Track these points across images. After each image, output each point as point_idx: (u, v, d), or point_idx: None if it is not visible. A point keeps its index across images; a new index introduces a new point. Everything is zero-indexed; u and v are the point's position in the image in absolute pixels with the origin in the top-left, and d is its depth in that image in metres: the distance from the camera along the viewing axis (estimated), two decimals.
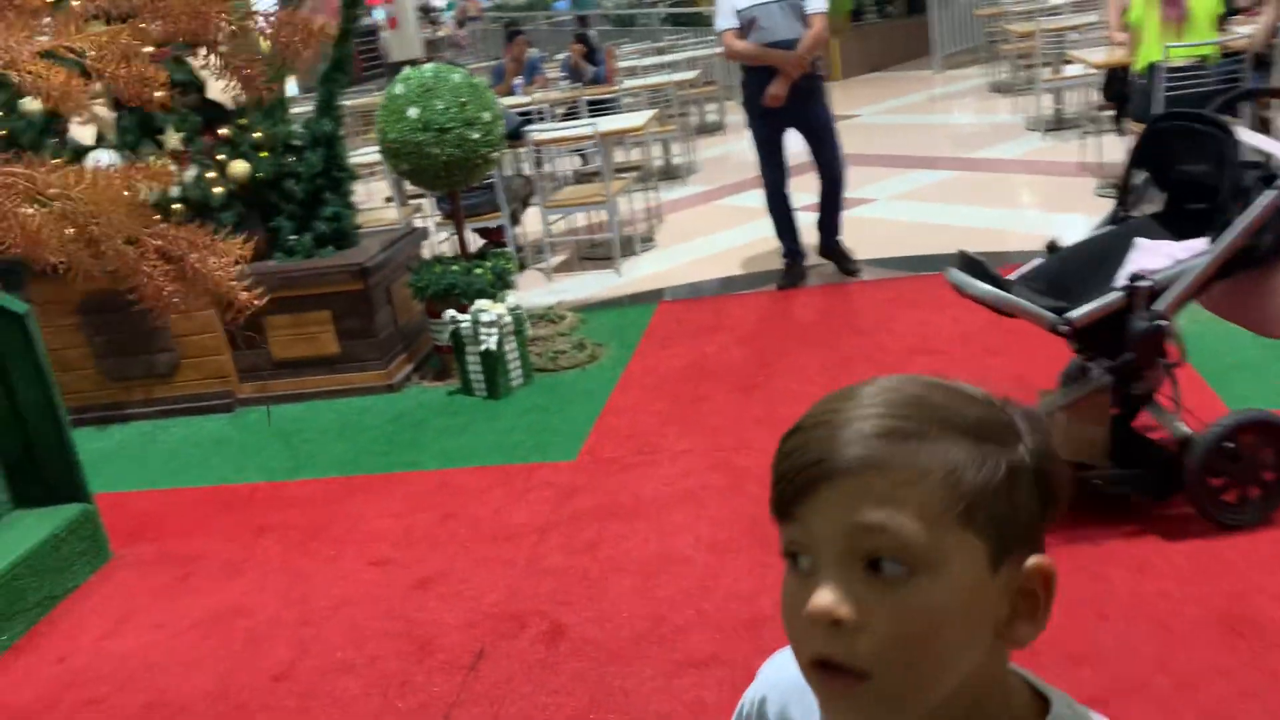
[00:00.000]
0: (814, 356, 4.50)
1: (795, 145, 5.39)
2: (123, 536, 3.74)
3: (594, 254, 6.82)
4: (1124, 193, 3.16)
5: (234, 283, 2.37)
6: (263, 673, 2.90)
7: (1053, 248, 3.10)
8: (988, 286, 2.86)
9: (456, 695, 2.68)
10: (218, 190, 4.70)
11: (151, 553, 3.66)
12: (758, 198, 5.68)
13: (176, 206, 4.60)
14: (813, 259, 5.59)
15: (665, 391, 4.38)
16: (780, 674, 0.94)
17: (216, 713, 2.75)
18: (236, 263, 2.38)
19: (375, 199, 7.75)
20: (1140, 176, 3.15)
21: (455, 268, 4.70)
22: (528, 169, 7.46)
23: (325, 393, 4.83)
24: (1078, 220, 5.85)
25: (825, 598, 0.69)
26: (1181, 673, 2.36)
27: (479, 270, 4.69)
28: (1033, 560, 0.71)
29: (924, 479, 0.68)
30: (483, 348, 4.47)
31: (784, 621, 0.74)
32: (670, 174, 8.85)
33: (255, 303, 2.42)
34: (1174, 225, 2.97)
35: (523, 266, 6.51)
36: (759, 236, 6.20)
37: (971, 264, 2.95)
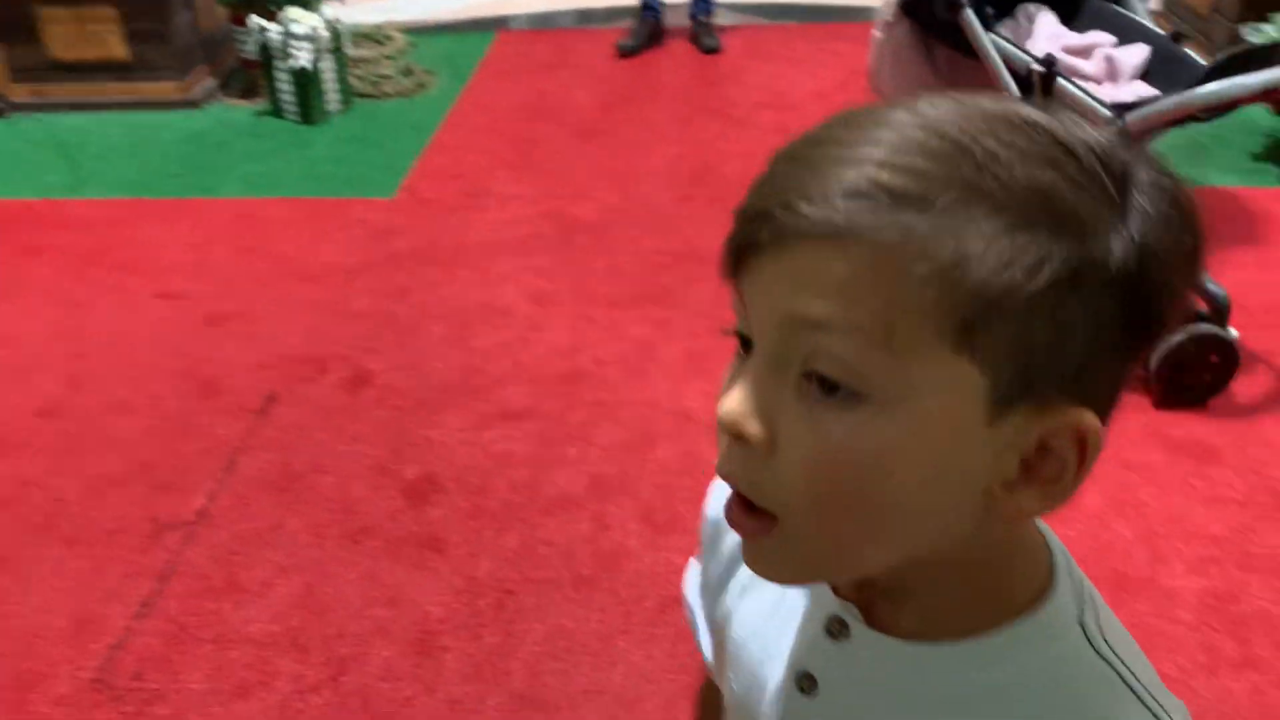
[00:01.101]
0: (661, 105, 4.22)
1: None
2: None
3: None
4: None
5: None
6: (26, 407, 2.62)
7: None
8: None
9: (243, 439, 2.48)
10: None
11: None
12: None
13: None
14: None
15: (499, 130, 4.05)
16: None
17: None
18: None
19: None
20: None
21: None
22: None
23: (114, 104, 4.27)
24: None
25: (731, 404, 0.51)
26: None
27: None
28: (1071, 414, 0.49)
29: (908, 270, 0.45)
30: (295, 65, 4.00)
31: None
32: None
33: None
34: None
35: None
36: None
37: None
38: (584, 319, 2.90)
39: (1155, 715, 0.54)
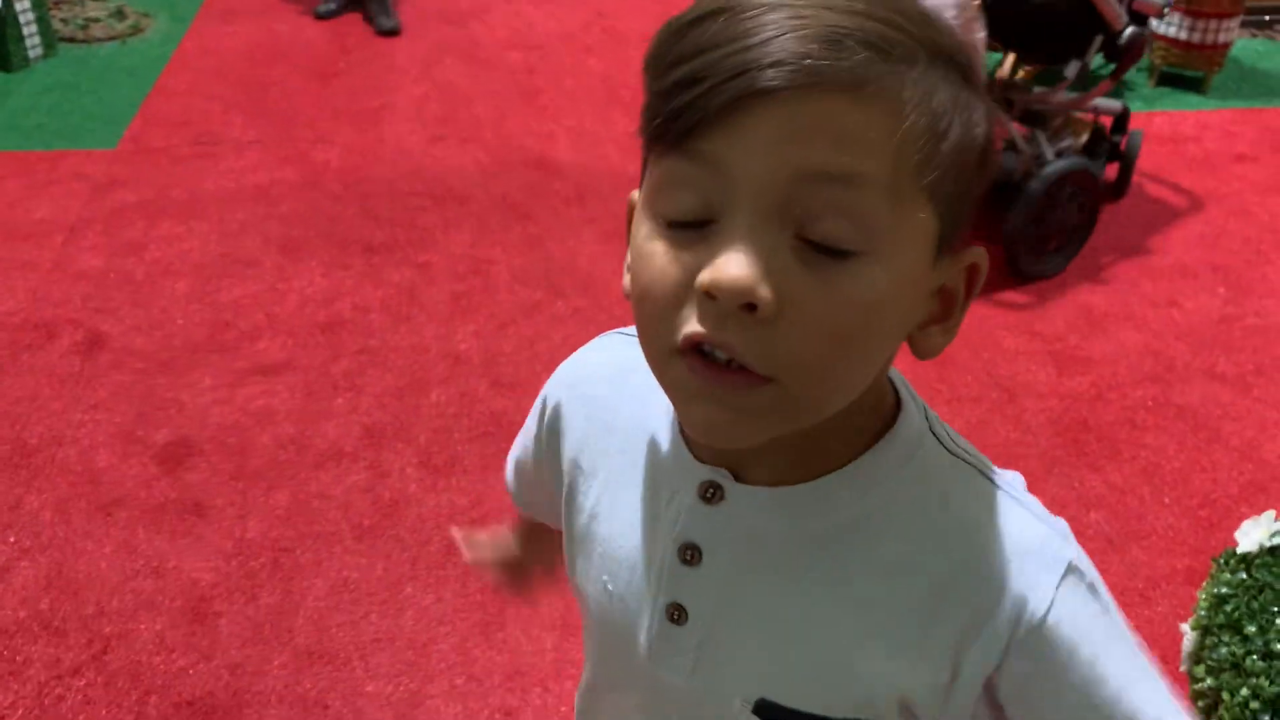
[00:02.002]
0: (400, 44, 4.08)
1: None
2: None
3: None
4: None
5: None
6: None
7: None
8: None
9: None
10: None
11: None
12: None
13: None
14: None
15: (228, 74, 3.80)
16: (580, 373, 0.73)
17: None
18: None
19: None
20: None
21: None
22: None
23: None
24: None
25: (739, 268, 0.47)
26: None
27: None
28: (970, 253, 0.55)
29: (914, 122, 0.47)
30: None
31: (641, 294, 0.52)
32: None
33: None
34: None
35: None
36: None
37: None
38: (339, 266, 2.78)
39: (1006, 492, 0.60)
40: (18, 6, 3.68)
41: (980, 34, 2.46)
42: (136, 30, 4.09)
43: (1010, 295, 2.75)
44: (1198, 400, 2.42)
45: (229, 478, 2.12)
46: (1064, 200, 2.76)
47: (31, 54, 3.78)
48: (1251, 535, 1.31)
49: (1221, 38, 3.83)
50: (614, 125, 3.52)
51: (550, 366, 0.76)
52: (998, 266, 2.82)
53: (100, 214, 2.95)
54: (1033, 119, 2.87)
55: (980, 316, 2.66)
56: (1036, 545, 0.58)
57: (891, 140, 0.47)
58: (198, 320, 2.56)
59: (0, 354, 2.42)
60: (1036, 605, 0.55)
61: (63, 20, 4.06)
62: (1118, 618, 0.59)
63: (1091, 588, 0.58)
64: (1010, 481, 0.61)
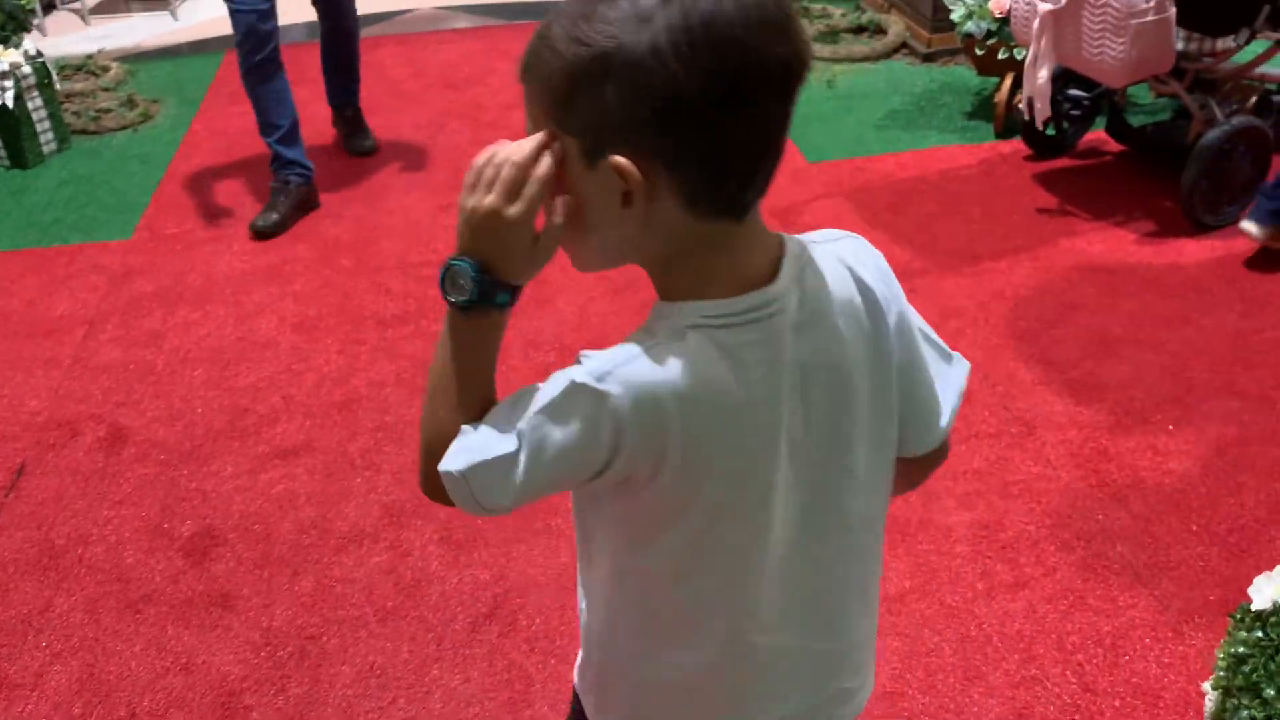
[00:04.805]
0: (405, 112, 4.14)
1: None
2: None
3: None
4: None
5: None
6: None
7: None
8: None
9: None
10: None
11: None
12: None
13: None
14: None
15: (238, 155, 3.86)
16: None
17: None
18: None
19: None
20: None
21: None
22: None
23: None
24: None
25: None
26: None
27: None
28: (608, 158, 0.76)
29: (541, 88, 0.79)
30: None
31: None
32: None
33: None
34: None
35: (50, 6, 5.44)
36: None
37: None
38: (353, 342, 2.81)
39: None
40: (30, 104, 3.77)
41: (1171, 10, 2.81)
42: (147, 117, 4.17)
43: (1022, 324, 2.74)
44: (1220, 420, 2.39)
45: (254, 566, 2.14)
46: (1237, 156, 3.06)
47: (46, 149, 3.87)
48: (1265, 592, 1.29)
49: None
50: None
51: None
52: (1177, 221, 3.12)
53: (118, 305, 3.00)
54: (1204, 85, 3.17)
55: (992, 349, 2.65)
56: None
57: (538, 104, 0.79)
58: (217, 407, 2.59)
59: (27, 455, 2.46)
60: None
61: (75, 113, 4.14)
62: (545, 387, 0.82)
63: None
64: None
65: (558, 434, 0.79)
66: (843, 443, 0.87)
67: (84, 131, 4.06)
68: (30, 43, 3.89)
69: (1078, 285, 2.90)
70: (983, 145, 3.67)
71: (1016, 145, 3.60)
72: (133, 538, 2.22)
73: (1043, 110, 3.07)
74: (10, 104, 3.67)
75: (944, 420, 0.94)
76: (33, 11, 4.06)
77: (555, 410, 0.79)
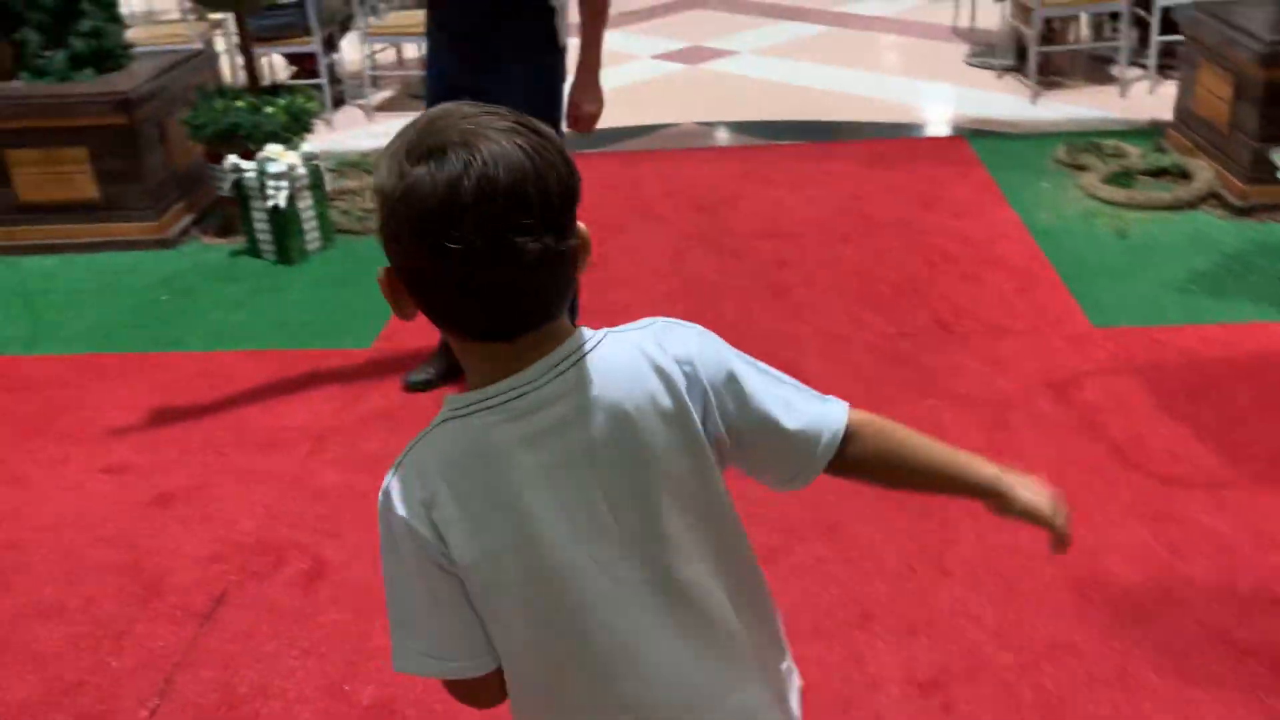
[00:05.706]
0: (656, 232, 4.02)
1: None
2: None
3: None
4: None
5: None
6: None
7: None
8: None
9: (183, 653, 2.20)
10: None
11: None
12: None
13: None
14: None
15: None
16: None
17: None
18: None
19: (172, 6, 6.75)
20: None
21: (241, 104, 3.98)
22: None
23: (84, 245, 4.10)
24: (944, 90, 5.47)
25: None
26: (1025, 648, 2.08)
27: (270, 109, 3.99)
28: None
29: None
30: (270, 204, 3.82)
31: None
32: None
33: None
34: None
35: (339, 103, 5.76)
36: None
37: None
38: None
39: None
40: (300, 204, 3.90)
41: None
42: None
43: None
44: None
45: None
46: None
47: (310, 247, 3.99)
48: None
49: None
50: (866, 327, 3.26)
51: None
52: None
53: (347, 422, 2.97)
54: None
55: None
56: None
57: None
58: None
59: (230, 579, 2.41)
60: None
61: (344, 211, 4.27)
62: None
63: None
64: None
65: (391, 565, 1.01)
66: (651, 515, 0.95)
67: (348, 231, 4.17)
68: (312, 142, 4.05)
69: None
70: None
71: None
72: (313, 696, 2.09)
73: None
74: (283, 204, 3.81)
75: (819, 449, 1.01)
76: (315, 114, 4.24)
77: (384, 548, 1.02)
